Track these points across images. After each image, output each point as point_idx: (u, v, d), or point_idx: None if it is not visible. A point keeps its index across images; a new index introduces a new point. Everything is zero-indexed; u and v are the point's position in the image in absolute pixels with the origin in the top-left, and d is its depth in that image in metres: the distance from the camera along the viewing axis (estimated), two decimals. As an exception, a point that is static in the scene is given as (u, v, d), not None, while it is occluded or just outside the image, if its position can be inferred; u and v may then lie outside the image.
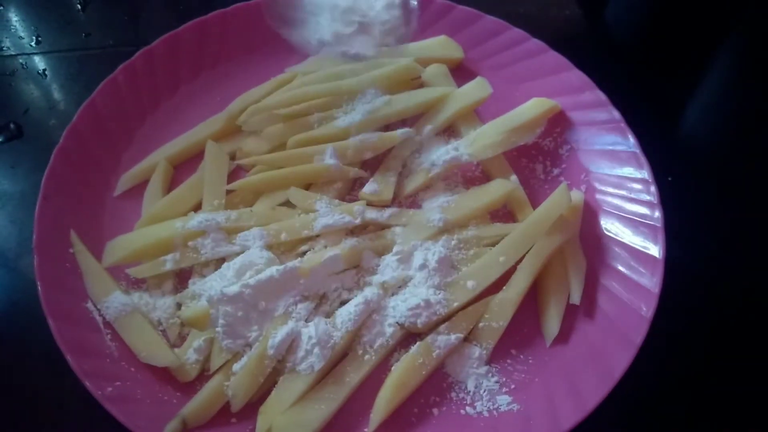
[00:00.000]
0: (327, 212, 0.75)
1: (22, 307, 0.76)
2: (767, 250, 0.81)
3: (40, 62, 0.98)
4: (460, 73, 0.91)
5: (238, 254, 0.72)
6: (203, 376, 0.68)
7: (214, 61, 0.92)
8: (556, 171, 0.83)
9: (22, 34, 1.01)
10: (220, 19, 0.92)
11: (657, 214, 0.74)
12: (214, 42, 0.91)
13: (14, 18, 1.04)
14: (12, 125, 0.91)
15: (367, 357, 0.68)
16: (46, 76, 0.96)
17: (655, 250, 0.72)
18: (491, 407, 0.67)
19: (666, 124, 0.91)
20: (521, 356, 0.71)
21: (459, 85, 0.88)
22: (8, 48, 1.00)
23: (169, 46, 0.89)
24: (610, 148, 0.81)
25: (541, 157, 0.84)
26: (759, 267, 0.80)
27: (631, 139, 0.79)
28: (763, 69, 0.94)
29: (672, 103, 0.93)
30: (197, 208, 0.78)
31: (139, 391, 0.66)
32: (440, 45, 0.91)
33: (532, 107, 0.83)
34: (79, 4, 1.05)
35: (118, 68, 0.85)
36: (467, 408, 0.67)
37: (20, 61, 0.98)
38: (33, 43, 1.00)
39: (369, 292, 0.70)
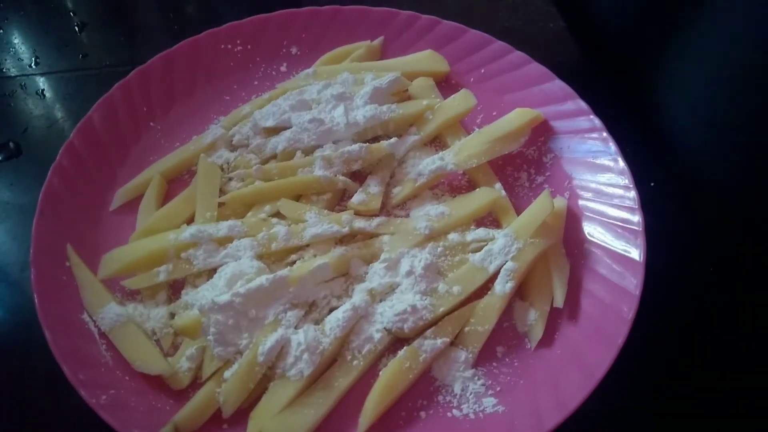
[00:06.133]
0: (316, 222, 0.76)
1: (23, 320, 0.77)
2: (746, 252, 0.82)
3: (38, 82, 1.01)
4: (446, 85, 0.93)
5: (229, 265, 0.74)
6: (195, 383, 0.70)
7: (206, 78, 0.94)
8: (540, 179, 0.85)
9: (21, 56, 1.04)
10: (212, 38, 0.94)
11: (637, 218, 0.75)
12: (206, 60, 0.94)
13: (14, 40, 1.07)
14: (11, 144, 0.93)
15: (355, 362, 0.69)
16: (44, 96, 0.99)
17: (635, 253, 0.73)
18: (477, 409, 0.68)
19: (648, 130, 0.92)
20: (506, 359, 0.72)
21: (445, 97, 0.90)
22: (8, 69, 1.03)
23: (163, 65, 0.91)
24: (593, 155, 0.83)
25: (525, 165, 0.86)
26: (738, 270, 0.81)
27: (612, 147, 0.81)
28: (744, 74, 0.95)
29: (654, 110, 0.95)
30: (190, 220, 0.80)
31: (133, 399, 0.67)
32: (426, 59, 0.93)
33: (516, 117, 0.85)
34: (77, 26, 1.08)
35: (114, 87, 0.88)
36: (454, 411, 0.68)
37: (19, 81, 1.01)
38: (32, 64, 1.03)
39: (357, 299, 0.71)
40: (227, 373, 0.68)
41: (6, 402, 0.74)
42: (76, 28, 1.08)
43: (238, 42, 0.96)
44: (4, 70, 1.02)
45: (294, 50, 0.97)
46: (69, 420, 0.71)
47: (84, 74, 1.02)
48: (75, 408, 0.65)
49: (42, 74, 1.02)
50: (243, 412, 0.67)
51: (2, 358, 0.77)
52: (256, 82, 0.95)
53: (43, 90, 1.00)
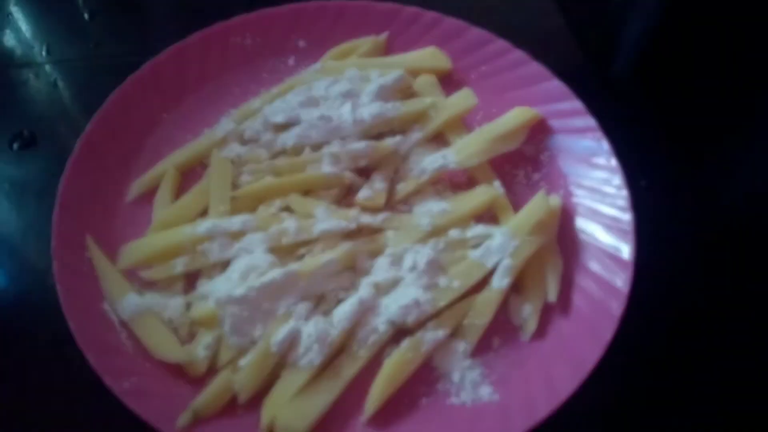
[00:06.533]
0: (325, 217, 0.80)
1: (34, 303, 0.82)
2: (735, 251, 0.87)
3: (50, 72, 1.03)
4: (448, 82, 0.96)
5: (243, 258, 0.78)
6: (212, 370, 0.74)
7: (216, 70, 0.97)
8: (536, 176, 0.88)
9: (33, 44, 1.06)
10: (222, 31, 0.97)
11: (628, 217, 0.79)
12: (216, 53, 0.97)
13: (25, 28, 1.08)
14: (26, 132, 0.96)
15: (361, 352, 0.74)
16: (57, 85, 1.01)
17: (625, 251, 0.77)
18: (474, 397, 0.73)
19: (642, 129, 0.96)
20: (502, 350, 0.77)
21: (447, 94, 0.93)
22: (20, 58, 1.05)
23: (176, 58, 0.94)
24: (587, 154, 0.86)
25: (523, 162, 0.89)
26: (727, 269, 0.86)
27: (605, 146, 0.85)
28: (736, 71, 0.98)
29: (648, 109, 0.98)
30: (204, 213, 0.83)
31: (154, 386, 0.71)
32: (429, 56, 0.96)
33: (516, 116, 0.89)
34: (87, 14, 1.10)
35: (127, 80, 0.90)
36: (452, 398, 0.73)
37: (33, 70, 1.03)
38: (43, 53, 1.05)
39: (363, 292, 0.76)
40: (242, 362, 0.72)
41: (17, 381, 0.78)
42: (86, 16, 1.10)
43: (247, 35, 0.98)
44: (15, 59, 1.05)
45: (301, 44, 1.00)
46: (81, 399, 0.75)
47: (96, 63, 1.04)
48: (87, 387, 0.69)
49: (54, 63, 1.04)
50: (257, 398, 0.71)
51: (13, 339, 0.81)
52: (265, 75, 0.98)
53: (55, 79, 1.02)
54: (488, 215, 0.86)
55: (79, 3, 1.12)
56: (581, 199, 0.85)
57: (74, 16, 1.10)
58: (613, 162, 0.84)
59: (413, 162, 0.87)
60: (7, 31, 1.08)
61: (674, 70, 0.94)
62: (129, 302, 0.76)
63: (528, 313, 0.77)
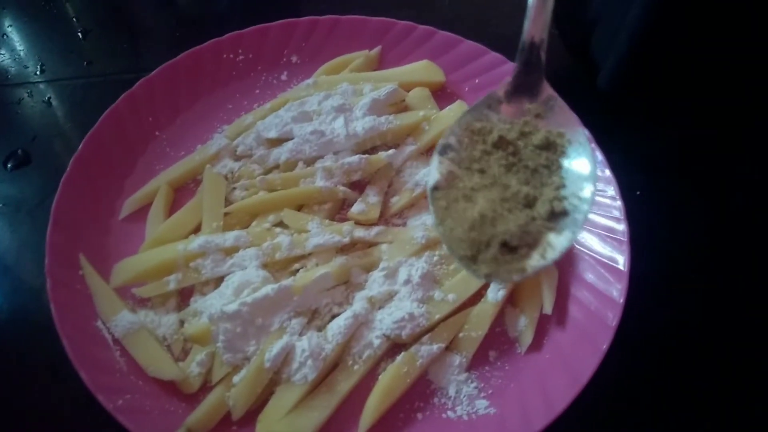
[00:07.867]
0: (318, 232, 0.80)
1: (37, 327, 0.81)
2: (730, 259, 0.86)
3: (45, 90, 1.03)
4: (442, 94, 0.97)
5: (236, 273, 0.78)
6: (206, 387, 0.74)
7: (209, 87, 0.97)
8: (531, 188, 0.88)
9: (27, 63, 1.07)
10: (214, 47, 0.97)
11: (622, 228, 0.79)
12: (209, 69, 0.97)
13: (19, 48, 1.09)
14: (20, 152, 0.96)
15: (356, 367, 0.73)
16: (51, 103, 1.02)
17: (620, 262, 0.77)
18: (470, 411, 0.72)
19: (636, 139, 0.96)
20: (498, 363, 0.76)
21: (441, 106, 0.94)
22: (14, 77, 1.05)
23: (168, 75, 0.94)
24: (581, 165, 0.86)
25: (517, 174, 0.89)
26: (722, 276, 0.85)
27: (599, 157, 0.84)
28: (729, 79, 0.98)
29: (641, 119, 0.98)
30: (197, 229, 0.83)
31: (147, 403, 0.71)
32: (423, 69, 0.96)
33: (509, 128, 0.89)
34: (80, 32, 1.11)
35: (120, 98, 0.90)
36: (448, 412, 0.73)
37: (26, 89, 1.03)
38: (38, 72, 1.06)
39: (357, 307, 0.76)
40: (236, 378, 0.72)
41: (11, 400, 0.78)
42: (80, 35, 1.10)
43: (240, 51, 0.99)
44: (10, 78, 1.05)
45: (294, 59, 1.00)
46: (74, 417, 0.75)
47: (89, 81, 1.05)
48: (80, 404, 0.70)
49: (48, 82, 1.04)
50: (251, 415, 0.71)
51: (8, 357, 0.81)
52: (257, 91, 0.98)
53: (49, 98, 1.02)
54: (483, 227, 0.85)
55: (73, 22, 1.13)
56: (576, 209, 0.84)
57: (68, 35, 1.11)
58: (607, 172, 0.84)
59: (407, 175, 0.88)
60: (3, 51, 1.09)
61: (665, 79, 0.93)
62: (122, 320, 0.76)
63: (524, 326, 0.77)
